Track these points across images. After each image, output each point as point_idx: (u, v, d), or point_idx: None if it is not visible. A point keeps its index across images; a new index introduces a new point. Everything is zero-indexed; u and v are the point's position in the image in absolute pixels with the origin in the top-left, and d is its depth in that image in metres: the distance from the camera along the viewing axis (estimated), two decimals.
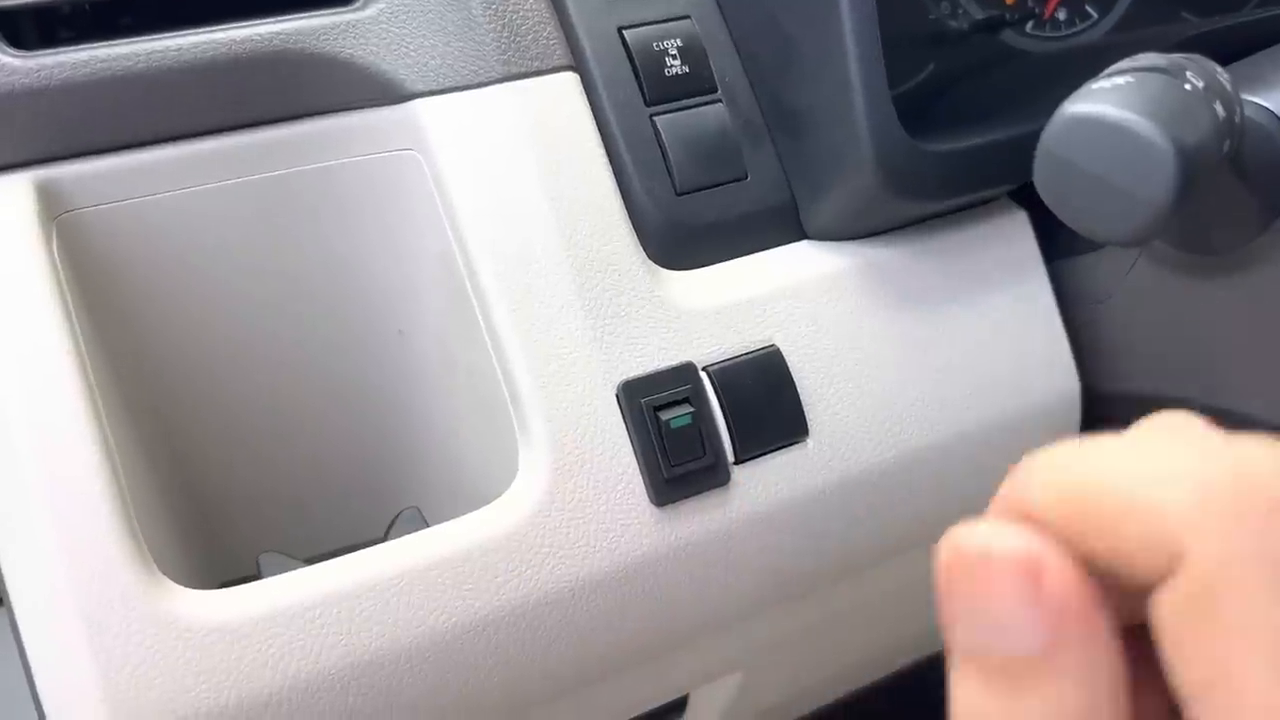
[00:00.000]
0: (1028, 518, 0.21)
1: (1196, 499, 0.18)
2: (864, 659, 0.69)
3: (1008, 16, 0.64)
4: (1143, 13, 0.69)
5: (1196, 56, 0.37)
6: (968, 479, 0.53)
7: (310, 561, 0.44)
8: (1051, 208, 0.36)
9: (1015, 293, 0.54)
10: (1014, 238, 0.55)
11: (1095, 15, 0.68)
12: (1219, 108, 0.34)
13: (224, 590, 0.40)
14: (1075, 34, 0.68)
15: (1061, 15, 0.67)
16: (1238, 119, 0.36)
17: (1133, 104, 0.33)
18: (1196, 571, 0.18)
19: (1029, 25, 0.66)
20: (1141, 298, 0.51)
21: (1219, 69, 0.37)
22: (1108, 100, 0.33)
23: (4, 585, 0.38)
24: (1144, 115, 0.32)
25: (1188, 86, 0.34)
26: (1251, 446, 0.19)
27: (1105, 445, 0.21)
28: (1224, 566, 0.18)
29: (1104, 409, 0.56)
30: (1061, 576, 0.19)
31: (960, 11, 0.64)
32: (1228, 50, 0.49)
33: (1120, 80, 0.34)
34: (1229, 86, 0.36)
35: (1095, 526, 0.20)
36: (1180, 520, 0.18)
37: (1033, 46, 0.66)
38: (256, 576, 0.44)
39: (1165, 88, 0.33)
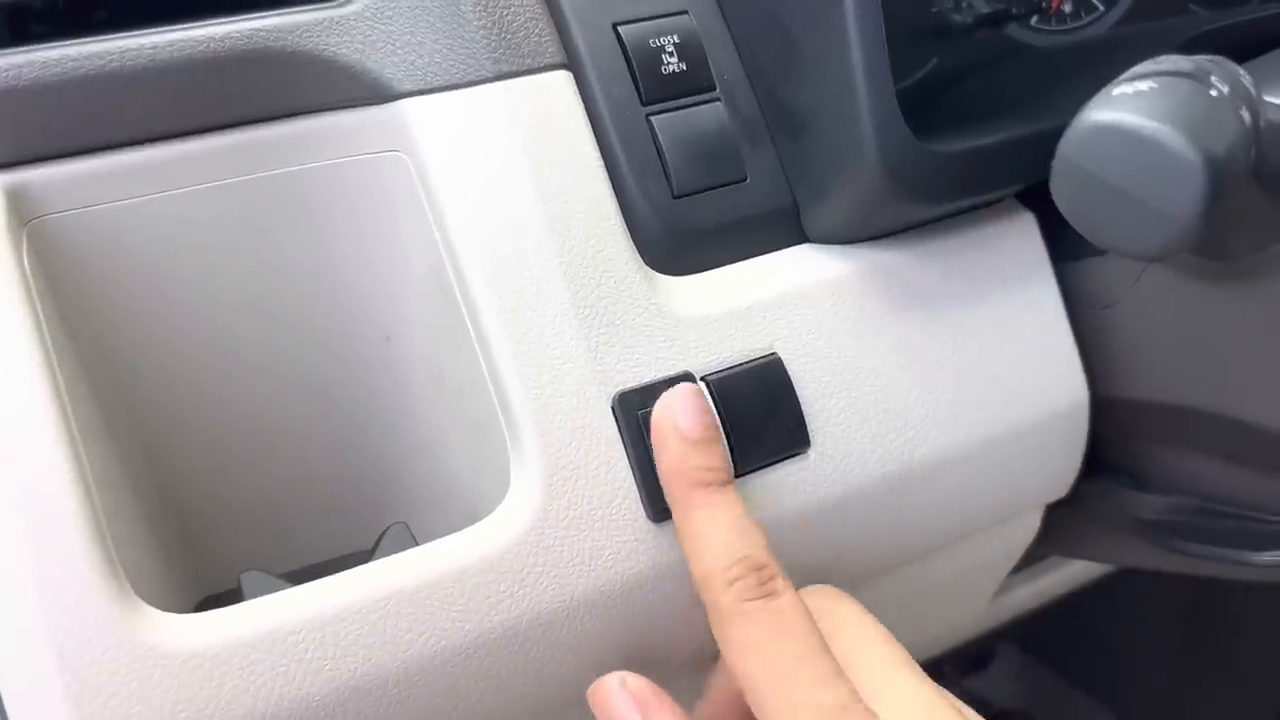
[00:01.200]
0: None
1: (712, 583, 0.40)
2: None
3: (1013, 10, 0.62)
4: (1150, 6, 0.67)
5: (1219, 59, 0.35)
6: (973, 490, 0.52)
7: (295, 576, 0.42)
8: (1070, 220, 0.34)
9: (1022, 297, 0.52)
10: (1021, 240, 0.53)
11: (1101, 8, 0.67)
12: (1245, 114, 0.32)
13: (202, 614, 0.38)
14: (1081, 27, 0.66)
15: (1067, 8, 0.66)
16: (1262, 124, 0.34)
17: (1158, 112, 0.31)
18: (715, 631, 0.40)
19: (1034, 19, 0.65)
20: (1152, 303, 0.50)
21: (1242, 71, 0.36)
22: (1131, 107, 0.31)
23: None
24: (1170, 124, 0.30)
25: (1213, 92, 0.32)
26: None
27: None
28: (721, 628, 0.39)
29: (1112, 417, 0.54)
30: (638, 684, 0.41)
31: (964, 5, 0.62)
32: (1236, 46, 0.48)
33: (1143, 85, 0.32)
34: (1254, 90, 0.34)
35: None
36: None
37: (1038, 41, 0.65)
38: (239, 592, 0.42)
39: (1191, 94, 0.31)
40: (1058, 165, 0.34)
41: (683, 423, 0.42)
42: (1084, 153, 0.33)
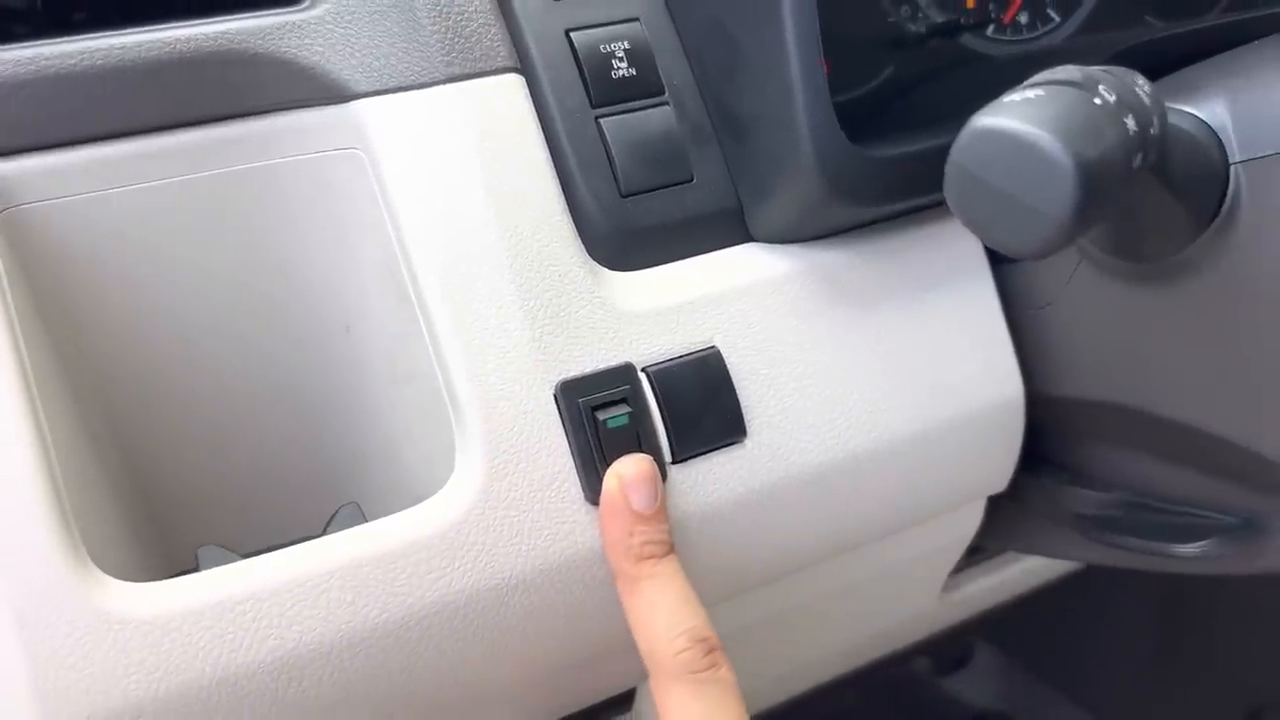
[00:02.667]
0: None
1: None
2: (806, 660, 0.69)
3: (963, 20, 0.64)
4: (1106, 16, 0.69)
5: (1119, 69, 0.37)
6: (910, 482, 0.53)
7: (251, 555, 0.44)
8: (961, 220, 0.36)
9: (961, 297, 0.54)
10: (960, 242, 0.55)
11: (1057, 19, 0.68)
12: (1130, 122, 0.34)
13: (155, 584, 0.40)
14: (1036, 38, 0.68)
15: (1023, 19, 0.68)
16: (1154, 130, 0.36)
17: (1038, 118, 0.33)
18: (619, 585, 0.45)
19: (990, 29, 0.67)
20: (1082, 303, 0.52)
21: (1140, 81, 0.37)
22: (1014, 114, 0.33)
23: None
24: (1046, 130, 0.33)
25: (1097, 100, 0.34)
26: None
27: None
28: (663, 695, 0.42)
29: (1050, 413, 0.56)
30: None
31: (919, 15, 0.64)
32: (1192, 55, 0.49)
33: (1030, 94, 0.34)
34: (1147, 100, 0.36)
35: None
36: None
37: (993, 51, 0.66)
38: (196, 566, 0.44)
39: (1073, 102, 0.33)
40: (948, 169, 0.36)
41: (635, 500, 0.44)
42: (969, 156, 0.35)
